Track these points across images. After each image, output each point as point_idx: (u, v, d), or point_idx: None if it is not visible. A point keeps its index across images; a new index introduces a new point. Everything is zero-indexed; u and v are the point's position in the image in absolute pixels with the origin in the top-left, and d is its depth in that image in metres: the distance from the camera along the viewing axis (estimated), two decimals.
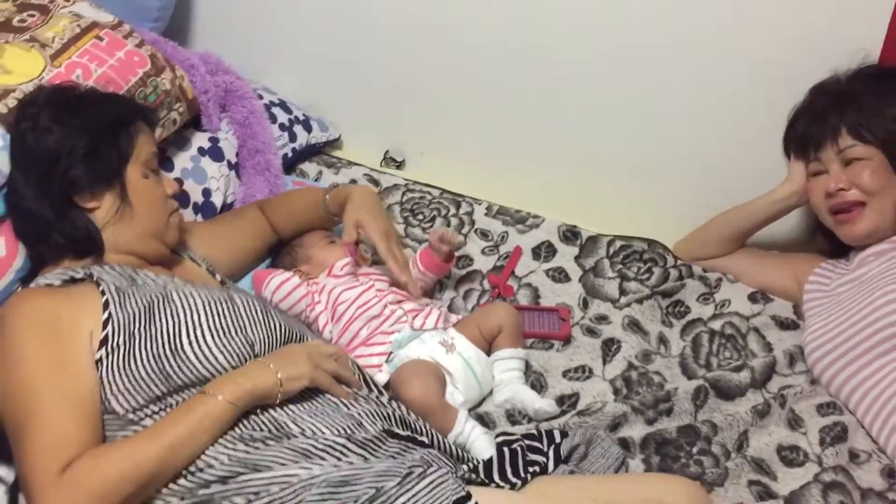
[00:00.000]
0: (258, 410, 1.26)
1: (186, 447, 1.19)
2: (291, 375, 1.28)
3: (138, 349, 1.26)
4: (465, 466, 1.32)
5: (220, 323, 1.32)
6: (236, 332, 1.32)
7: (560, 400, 1.62)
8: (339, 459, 1.22)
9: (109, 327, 1.27)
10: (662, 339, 1.79)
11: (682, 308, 1.86)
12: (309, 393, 1.31)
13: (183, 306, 1.31)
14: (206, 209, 1.91)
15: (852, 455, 1.50)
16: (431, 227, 2.05)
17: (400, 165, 2.31)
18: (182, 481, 1.19)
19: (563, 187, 2.12)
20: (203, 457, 1.20)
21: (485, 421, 1.57)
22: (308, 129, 2.25)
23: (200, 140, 1.97)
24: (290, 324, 1.45)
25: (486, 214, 2.10)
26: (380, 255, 1.66)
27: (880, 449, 1.52)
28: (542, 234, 2.03)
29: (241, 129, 2.04)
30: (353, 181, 2.17)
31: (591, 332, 1.79)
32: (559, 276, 1.93)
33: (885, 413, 1.52)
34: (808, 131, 1.76)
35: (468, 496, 1.17)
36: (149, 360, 1.25)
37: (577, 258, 1.97)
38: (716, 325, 1.79)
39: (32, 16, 1.72)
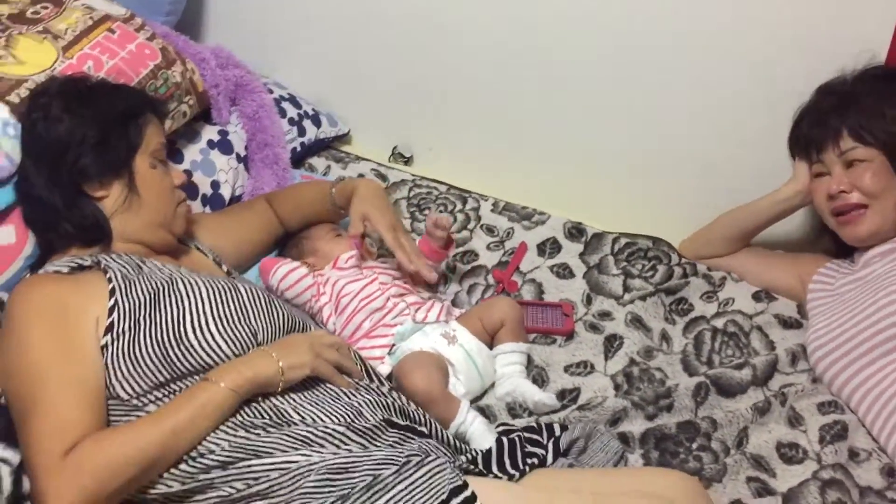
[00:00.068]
0: (260, 398, 1.28)
1: (188, 432, 1.20)
2: (293, 364, 1.29)
3: (143, 336, 1.28)
4: (463, 457, 1.34)
5: (224, 311, 1.33)
6: (239, 321, 1.34)
7: (561, 394, 1.63)
8: (338, 447, 1.24)
9: (115, 314, 1.29)
10: (665, 336, 1.79)
11: (686, 306, 1.87)
12: (310, 382, 1.33)
13: (188, 295, 1.33)
14: (215, 201, 1.93)
15: (852, 453, 1.51)
16: None
17: (408, 161, 2.33)
18: (183, 466, 1.21)
19: (568, 185, 2.13)
20: (204, 442, 1.22)
21: (486, 413, 1.58)
22: (317, 123, 2.27)
23: (210, 133, 1.99)
24: (294, 314, 1.46)
25: (492, 210, 2.11)
26: (387, 247, 1.67)
27: (881, 448, 1.52)
28: (547, 231, 2.04)
29: (250, 123, 2.06)
30: (361, 176, 2.19)
31: (593, 328, 1.80)
32: (563, 272, 1.94)
33: (887, 412, 1.53)
34: (810, 132, 1.76)
35: (465, 485, 1.18)
36: (153, 347, 1.27)
37: (581, 255, 1.98)
38: (718, 322, 1.80)
39: (46, 8, 1.75)
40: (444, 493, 1.16)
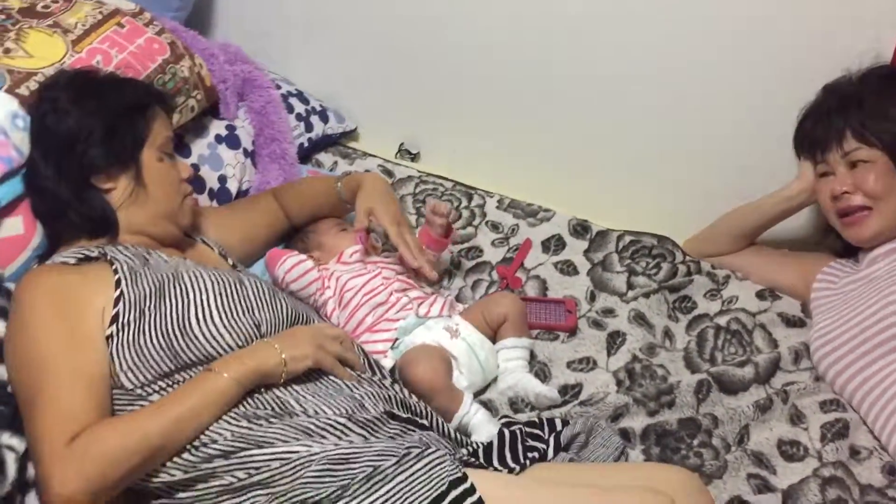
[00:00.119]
0: (262, 389, 1.29)
1: (191, 422, 1.22)
2: (295, 356, 1.30)
3: (148, 326, 1.29)
4: (464, 450, 1.34)
5: (228, 303, 1.34)
6: (243, 313, 1.35)
7: (563, 390, 1.64)
8: (339, 438, 1.25)
9: (121, 305, 1.30)
10: (668, 333, 1.80)
11: (689, 303, 1.87)
12: (313, 374, 1.34)
13: (192, 286, 1.34)
14: (222, 195, 1.94)
15: (853, 451, 1.51)
16: None
17: (415, 158, 2.34)
18: (186, 455, 1.22)
19: (573, 182, 2.14)
20: (207, 432, 1.23)
21: (488, 408, 1.58)
22: (325, 119, 2.28)
23: (218, 128, 2.00)
24: (297, 306, 1.48)
25: (497, 207, 2.12)
26: (391, 242, 1.68)
27: (882, 446, 1.53)
28: (552, 228, 2.04)
29: (257, 118, 2.07)
30: (368, 172, 2.19)
31: (597, 324, 1.80)
32: (567, 269, 1.94)
33: (888, 411, 1.53)
34: (814, 132, 1.75)
35: (464, 477, 1.18)
36: (158, 338, 1.28)
37: (586, 252, 1.98)
38: (722, 320, 1.80)
39: (56, 2, 1.76)
40: (443, 484, 1.16)
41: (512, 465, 1.33)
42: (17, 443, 1.26)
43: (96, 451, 1.16)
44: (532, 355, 1.69)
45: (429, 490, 1.16)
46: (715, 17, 1.87)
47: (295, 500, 1.18)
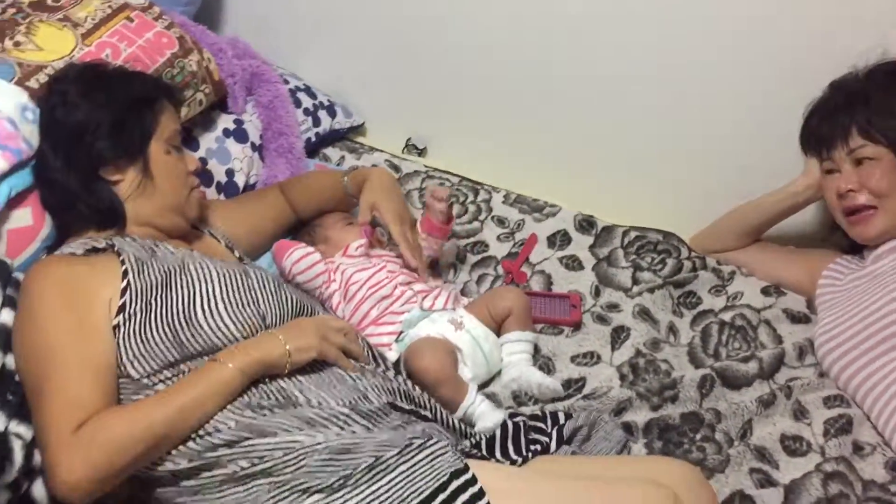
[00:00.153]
0: (267, 379, 1.30)
1: (196, 411, 1.23)
2: (300, 347, 1.31)
3: (154, 317, 1.30)
4: (466, 442, 1.35)
5: (234, 295, 1.36)
6: (248, 304, 1.36)
7: (567, 384, 1.64)
8: (342, 429, 1.26)
9: (127, 295, 1.31)
10: (672, 329, 1.80)
11: (694, 299, 1.87)
12: (317, 365, 1.35)
13: (198, 278, 1.36)
14: (229, 189, 1.95)
15: (856, 447, 1.51)
16: None
17: (422, 153, 2.34)
18: (191, 444, 1.24)
19: (579, 178, 2.14)
20: (212, 421, 1.24)
21: (491, 401, 1.59)
22: (332, 114, 2.29)
23: (225, 122, 2.02)
24: (303, 299, 1.49)
25: (503, 202, 2.12)
26: (392, 238, 1.69)
27: (885, 442, 1.52)
28: (558, 223, 2.04)
29: (265, 112, 2.09)
30: (375, 166, 2.20)
31: (601, 319, 1.81)
32: (573, 263, 1.95)
33: (892, 406, 1.52)
34: (820, 129, 1.75)
35: (466, 468, 1.19)
36: (164, 328, 1.30)
37: (591, 247, 1.98)
38: (726, 316, 1.80)
39: None
40: (444, 475, 1.17)
41: (514, 457, 1.34)
42: (25, 430, 1.28)
43: (103, 438, 1.17)
44: (536, 349, 1.70)
45: (430, 480, 1.17)
46: (715, 17, 1.87)
47: (297, 489, 1.19)
